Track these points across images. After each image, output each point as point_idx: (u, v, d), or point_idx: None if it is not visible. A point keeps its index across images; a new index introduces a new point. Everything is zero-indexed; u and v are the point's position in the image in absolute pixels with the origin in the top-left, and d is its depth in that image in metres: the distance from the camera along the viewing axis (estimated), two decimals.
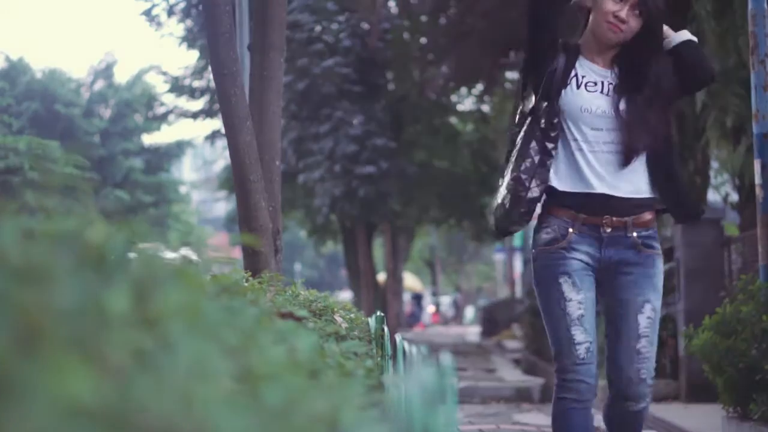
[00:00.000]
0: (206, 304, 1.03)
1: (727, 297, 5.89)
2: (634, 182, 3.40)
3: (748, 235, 7.36)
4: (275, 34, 4.94)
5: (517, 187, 3.38)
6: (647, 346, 3.37)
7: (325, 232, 24.18)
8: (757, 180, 5.46)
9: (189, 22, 20.23)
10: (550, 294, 3.40)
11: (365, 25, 20.34)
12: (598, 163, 3.38)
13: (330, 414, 0.99)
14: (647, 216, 3.42)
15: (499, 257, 39.43)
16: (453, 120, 22.86)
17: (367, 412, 1.25)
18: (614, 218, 3.38)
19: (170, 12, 20.24)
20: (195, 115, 21.79)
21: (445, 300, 49.64)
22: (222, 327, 1.04)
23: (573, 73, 3.44)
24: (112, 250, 0.99)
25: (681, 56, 3.42)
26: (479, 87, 19.60)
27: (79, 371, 0.79)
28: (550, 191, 3.41)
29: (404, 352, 3.20)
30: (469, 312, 44.44)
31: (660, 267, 3.45)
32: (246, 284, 2.81)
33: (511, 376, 12.81)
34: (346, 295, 30.75)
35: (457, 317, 46.43)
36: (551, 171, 3.41)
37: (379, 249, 31.81)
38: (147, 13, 20.26)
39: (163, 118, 23.11)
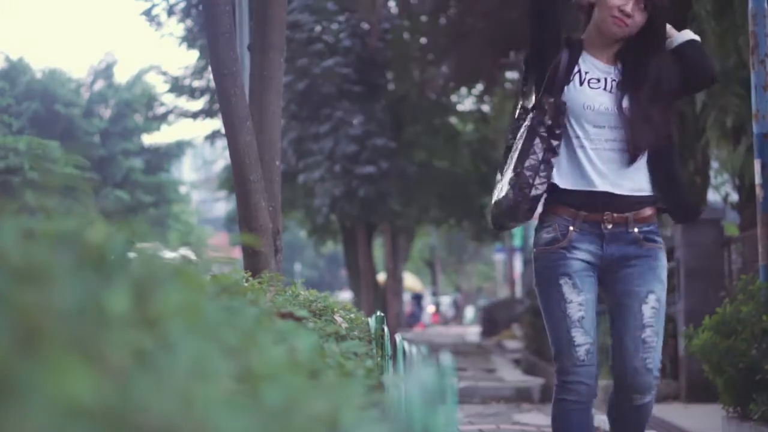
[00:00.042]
0: (206, 304, 1.03)
1: (727, 297, 5.89)
2: (635, 180, 3.38)
3: (748, 235, 7.36)
4: (275, 34, 4.94)
5: (521, 184, 3.35)
6: (652, 336, 3.34)
7: (325, 232, 24.18)
8: (757, 180, 5.46)
9: (189, 22, 20.23)
10: (551, 295, 3.39)
11: (365, 25, 20.34)
12: (599, 161, 3.36)
13: (330, 414, 0.99)
14: (648, 211, 3.40)
15: (499, 257, 39.43)
16: (453, 120, 22.85)
17: (367, 412, 1.25)
18: (615, 214, 3.36)
19: (170, 12, 20.24)
20: (195, 115, 21.79)
21: (445, 300, 49.63)
22: (222, 327, 1.04)
23: (576, 69, 3.42)
24: (112, 250, 0.99)
25: (683, 56, 3.41)
26: (479, 87, 19.59)
27: (79, 371, 0.79)
28: (552, 189, 3.39)
29: (404, 352, 3.20)
30: (469, 312, 44.44)
31: (663, 259, 3.43)
32: (246, 284, 2.81)
33: (511, 376, 12.80)
34: (346, 295, 30.75)
35: (457, 317, 46.43)
36: (554, 168, 3.40)
37: (379, 249, 31.82)
38: (147, 13, 20.25)
39: (163, 118, 23.11)
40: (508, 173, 3.41)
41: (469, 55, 15.78)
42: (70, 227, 0.99)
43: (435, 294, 46.07)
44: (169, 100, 22.38)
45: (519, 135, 3.45)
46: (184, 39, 20.51)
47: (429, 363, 1.58)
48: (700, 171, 10.25)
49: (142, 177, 25.40)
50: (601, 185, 3.36)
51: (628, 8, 3.32)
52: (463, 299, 48.82)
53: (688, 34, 3.47)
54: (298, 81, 18.94)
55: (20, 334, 0.80)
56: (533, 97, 3.46)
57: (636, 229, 3.38)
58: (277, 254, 4.69)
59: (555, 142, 3.37)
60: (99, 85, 25.32)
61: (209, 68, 6.27)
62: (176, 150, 27.05)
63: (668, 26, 3.46)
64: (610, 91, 3.40)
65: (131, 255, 1.00)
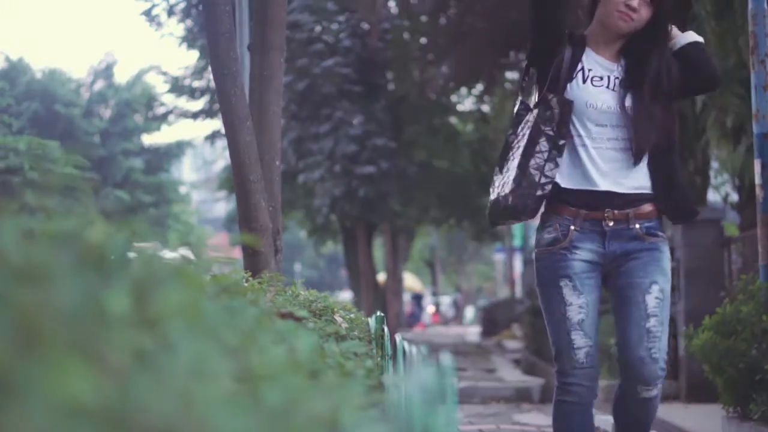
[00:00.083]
0: (206, 304, 1.03)
1: (727, 297, 5.89)
2: (636, 178, 3.36)
3: (748, 235, 7.36)
4: (275, 34, 4.93)
5: (527, 183, 3.32)
6: (657, 326, 3.31)
7: (325, 232, 24.17)
8: (757, 180, 5.46)
9: (189, 22, 20.24)
10: (552, 297, 3.37)
11: (365, 25, 20.35)
12: (601, 160, 3.34)
13: (330, 414, 0.99)
14: (648, 207, 3.37)
15: (499, 257, 39.42)
16: (453, 120, 22.85)
17: (367, 412, 1.25)
18: (616, 211, 3.34)
19: (170, 12, 20.24)
20: (195, 115, 21.79)
21: (445, 300, 49.63)
22: (222, 327, 1.04)
23: (579, 67, 3.39)
24: (112, 250, 0.99)
25: (687, 58, 3.38)
26: (479, 87, 19.59)
27: (79, 371, 0.79)
28: (554, 187, 3.37)
29: (404, 352, 3.20)
30: (469, 312, 44.43)
31: (666, 252, 3.40)
32: (246, 284, 2.81)
33: (511, 376, 12.80)
34: (346, 295, 30.74)
35: (457, 317, 46.43)
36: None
37: (379, 249, 31.81)
38: (147, 13, 20.26)
39: (163, 118, 23.11)
40: (512, 171, 3.37)
41: (469, 55, 15.78)
42: (70, 227, 0.99)
43: (435, 294, 46.05)
44: (169, 100, 22.39)
45: (520, 131, 3.41)
46: (184, 39, 20.51)
47: (429, 363, 1.58)
48: (700, 171, 10.25)
49: (142, 177, 25.40)
50: (603, 185, 3.34)
51: (634, 2, 3.29)
52: (463, 299, 48.81)
53: (692, 36, 3.44)
54: (298, 81, 18.94)
55: (20, 334, 0.80)
56: (535, 94, 3.44)
57: (637, 225, 3.35)
58: (277, 254, 4.69)
59: (561, 141, 3.34)
60: (99, 85, 25.31)
61: (209, 68, 6.27)
62: (176, 150, 27.04)
63: (673, 27, 3.44)
64: (613, 89, 3.38)
65: (131, 255, 1.00)
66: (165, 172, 27.18)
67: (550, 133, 3.34)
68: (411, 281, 41.87)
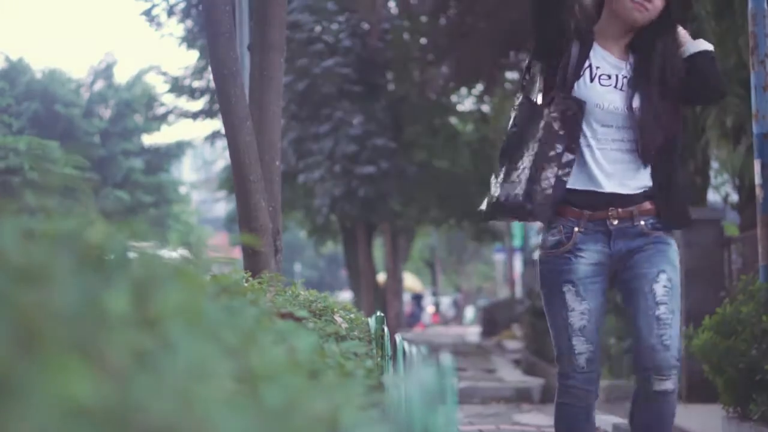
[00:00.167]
0: (206, 304, 1.03)
1: (727, 297, 5.89)
2: (640, 179, 3.33)
3: (748, 235, 7.35)
4: (275, 34, 4.93)
5: (542, 186, 3.26)
6: (667, 313, 3.24)
7: (325, 232, 24.17)
8: (757, 180, 5.46)
9: (189, 22, 20.23)
10: (554, 301, 3.35)
11: (365, 25, 20.34)
12: (606, 161, 3.30)
13: (330, 414, 0.99)
14: (650, 204, 3.34)
15: (499, 257, 39.41)
16: (453, 120, 22.84)
17: (367, 412, 1.25)
18: (620, 210, 3.31)
19: (170, 12, 20.24)
20: (195, 116, 21.79)
21: (445, 300, 49.63)
22: (222, 327, 1.04)
23: (587, 64, 3.34)
24: (112, 250, 0.99)
25: (695, 67, 3.33)
26: (479, 87, 19.59)
27: (79, 372, 0.79)
28: None
29: (404, 352, 3.19)
30: (469, 312, 44.43)
31: (673, 244, 3.36)
32: (246, 284, 2.81)
33: (511, 376, 12.80)
34: (346, 296, 30.74)
35: (457, 317, 46.43)
36: None
37: (379, 249, 31.81)
38: (147, 13, 20.25)
39: (163, 118, 23.11)
40: (523, 172, 3.31)
41: (469, 55, 15.78)
42: (70, 227, 0.99)
43: (435, 294, 46.06)
44: (169, 100, 22.38)
45: (526, 127, 3.34)
46: (184, 39, 20.51)
47: (429, 363, 1.58)
48: (700, 171, 10.25)
49: (142, 177, 25.39)
50: (608, 186, 3.30)
51: None
52: (463, 299, 48.81)
53: (702, 45, 3.37)
54: (298, 81, 18.94)
55: (20, 334, 0.80)
56: (539, 91, 3.37)
57: (642, 222, 3.32)
58: (277, 254, 4.69)
59: (574, 144, 3.28)
60: (99, 85, 25.31)
61: (209, 68, 6.27)
62: (176, 150, 27.04)
63: (683, 32, 3.39)
64: (621, 89, 3.33)
65: (131, 255, 1.00)
66: (165, 172, 27.17)
67: (563, 134, 3.28)
68: (411, 281, 41.87)
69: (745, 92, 8.10)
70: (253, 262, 4.48)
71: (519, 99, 3.44)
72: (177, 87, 21.62)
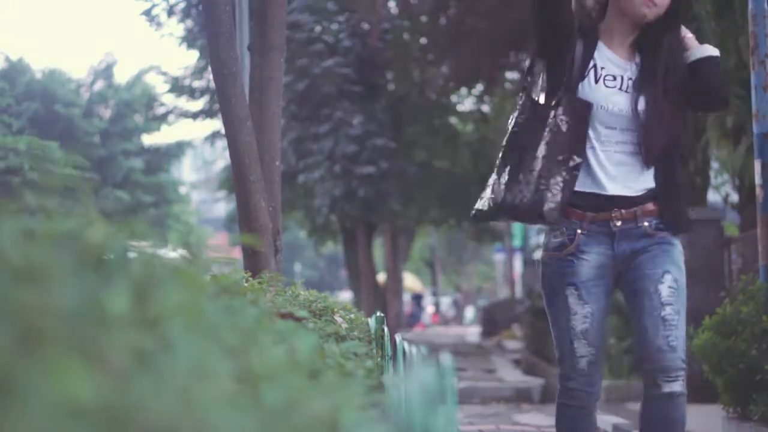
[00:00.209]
0: (206, 304, 1.03)
1: (727, 297, 5.89)
2: (644, 181, 3.30)
3: (748, 235, 7.36)
4: (275, 34, 4.93)
5: (551, 190, 3.21)
6: (672, 314, 3.20)
7: (325, 232, 24.17)
8: (757, 180, 5.46)
9: (189, 22, 20.24)
10: (556, 304, 3.32)
11: (365, 25, 20.34)
12: (609, 163, 3.27)
13: (330, 414, 0.99)
14: (652, 205, 3.30)
15: (499, 257, 39.42)
16: (453, 120, 22.84)
17: (367, 412, 1.25)
18: (623, 210, 3.28)
19: (170, 12, 20.24)
20: (195, 116, 21.79)
21: (445, 300, 49.64)
22: (222, 327, 1.04)
23: (591, 64, 3.30)
24: (112, 250, 0.99)
25: (700, 71, 3.30)
26: (479, 87, 19.60)
27: (79, 371, 0.79)
28: None
29: (404, 352, 3.19)
30: (469, 312, 44.44)
31: (677, 245, 3.32)
32: (246, 284, 2.81)
33: (511, 376, 12.80)
34: (346, 296, 30.73)
35: (457, 317, 46.44)
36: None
37: (379, 249, 31.80)
38: (147, 13, 20.26)
39: (163, 118, 23.12)
40: (531, 174, 3.26)
41: (469, 55, 15.78)
42: (70, 227, 0.99)
43: (435, 294, 46.07)
44: (169, 100, 22.39)
45: (533, 131, 3.29)
46: (184, 39, 20.51)
47: (429, 363, 1.58)
48: (700, 171, 10.25)
49: (142, 177, 25.39)
50: (612, 189, 3.27)
51: None
52: (463, 299, 48.81)
53: (709, 50, 3.33)
54: (298, 81, 18.94)
55: (20, 334, 0.80)
56: (542, 90, 3.32)
57: (646, 223, 3.28)
58: (277, 254, 4.69)
59: (581, 147, 3.25)
60: (99, 85, 25.31)
61: (209, 68, 6.27)
62: (176, 150, 27.03)
63: (691, 36, 3.35)
64: (626, 91, 3.29)
65: (131, 255, 1.00)
66: (165, 173, 27.16)
67: (571, 137, 3.24)
68: (411, 281, 41.87)
69: (745, 92, 8.11)
70: (253, 262, 4.48)
71: (522, 99, 3.40)
72: (177, 87, 21.62)
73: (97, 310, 0.86)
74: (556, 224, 3.30)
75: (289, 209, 21.32)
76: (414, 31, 19.36)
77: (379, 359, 2.90)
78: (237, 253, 4.95)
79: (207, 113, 21.31)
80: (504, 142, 3.41)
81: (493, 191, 3.37)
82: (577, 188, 3.28)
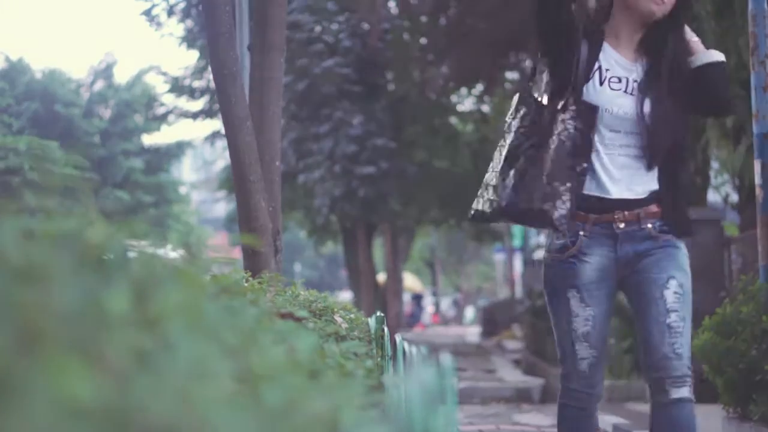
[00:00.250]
0: (206, 304, 1.03)
1: (727, 297, 5.89)
2: (647, 183, 3.28)
3: (748, 235, 7.36)
4: (275, 34, 4.94)
5: (561, 198, 3.17)
6: (678, 321, 3.18)
7: (325, 232, 24.17)
8: (757, 180, 5.46)
9: (189, 22, 20.24)
10: (558, 306, 3.31)
11: (365, 25, 20.34)
12: (613, 166, 3.25)
13: (330, 414, 0.99)
14: (656, 207, 3.28)
15: (499, 257, 39.41)
16: (453, 120, 22.84)
17: (367, 412, 1.25)
18: (626, 212, 3.25)
19: (170, 12, 20.24)
20: (195, 116, 21.79)
21: (445, 300, 49.64)
22: (222, 327, 1.04)
23: (596, 66, 3.27)
24: (112, 250, 0.99)
25: (706, 76, 3.27)
26: (479, 87, 19.60)
27: (79, 371, 0.79)
28: None
29: (404, 352, 3.19)
30: (469, 312, 44.44)
31: (682, 248, 3.29)
32: (246, 284, 2.81)
33: (511, 376, 12.80)
34: (346, 296, 30.73)
35: (457, 317, 46.44)
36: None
37: (379, 249, 31.80)
38: (147, 13, 20.26)
39: (163, 118, 23.11)
40: (538, 178, 3.21)
41: (469, 55, 15.79)
42: (70, 227, 0.99)
43: (435, 294, 46.06)
44: (169, 100, 22.39)
45: (538, 133, 3.25)
46: (184, 39, 20.52)
47: (429, 363, 1.58)
48: (700, 171, 10.25)
49: (142, 177, 25.39)
50: (616, 192, 3.25)
51: None
52: (463, 299, 48.81)
53: (715, 55, 3.31)
54: (298, 81, 18.94)
55: (20, 334, 0.80)
56: (545, 92, 3.29)
57: (649, 225, 3.26)
58: (277, 254, 4.69)
59: (588, 151, 3.22)
60: (99, 85, 25.31)
61: (209, 68, 6.27)
62: (176, 150, 27.03)
63: (697, 39, 3.32)
64: (631, 93, 3.26)
65: (131, 255, 1.00)
66: (165, 173, 27.17)
67: (579, 141, 3.21)
68: (411, 281, 41.86)
69: (745, 93, 8.11)
70: (253, 262, 4.49)
71: (520, 99, 3.38)
72: (177, 87, 21.62)
73: (97, 310, 0.86)
74: (564, 229, 3.25)
75: (289, 209, 21.32)
76: (414, 31, 19.37)
77: (379, 359, 2.90)
78: (237, 253, 4.95)
79: (207, 113, 21.31)
80: (505, 143, 3.36)
81: (495, 193, 3.34)
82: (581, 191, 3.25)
